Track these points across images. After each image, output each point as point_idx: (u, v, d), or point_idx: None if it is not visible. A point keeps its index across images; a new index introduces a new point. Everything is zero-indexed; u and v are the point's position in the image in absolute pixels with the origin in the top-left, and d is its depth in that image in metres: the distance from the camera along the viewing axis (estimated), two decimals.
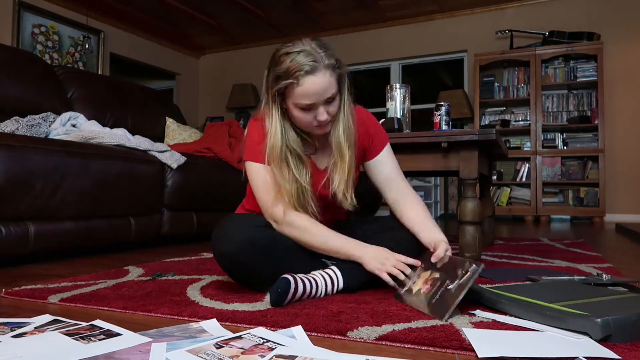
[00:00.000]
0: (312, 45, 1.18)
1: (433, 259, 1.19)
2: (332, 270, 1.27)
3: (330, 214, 1.44)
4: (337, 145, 1.29)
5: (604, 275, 1.41)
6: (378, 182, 1.41)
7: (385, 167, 1.40)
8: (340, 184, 1.31)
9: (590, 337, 0.86)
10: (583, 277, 1.42)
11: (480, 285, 1.20)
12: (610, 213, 5.03)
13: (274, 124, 1.24)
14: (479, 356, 0.79)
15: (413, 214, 1.35)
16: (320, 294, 1.23)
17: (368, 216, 1.55)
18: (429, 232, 1.29)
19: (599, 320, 0.85)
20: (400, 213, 1.37)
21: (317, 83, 1.15)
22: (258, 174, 1.29)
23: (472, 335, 0.89)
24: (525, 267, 1.79)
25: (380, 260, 1.22)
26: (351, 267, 1.28)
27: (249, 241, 1.20)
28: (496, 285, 1.30)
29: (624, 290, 1.30)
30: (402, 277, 1.19)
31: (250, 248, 1.20)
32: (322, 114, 1.19)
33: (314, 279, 1.22)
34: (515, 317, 1.02)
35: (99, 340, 0.87)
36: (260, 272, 1.25)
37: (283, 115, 1.25)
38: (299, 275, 1.20)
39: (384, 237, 1.35)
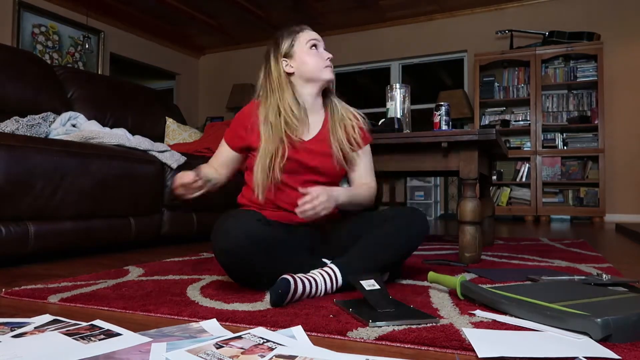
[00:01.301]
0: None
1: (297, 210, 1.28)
2: (331, 268, 1.27)
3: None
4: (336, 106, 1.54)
5: (604, 275, 1.41)
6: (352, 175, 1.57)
7: (361, 162, 1.56)
8: (341, 137, 1.49)
9: (590, 337, 0.86)
10: (583, 277, 1.42)
11: (480, 285, 1.20)
12: (610, 213, 5.03)
13: (283, 85, 1.46)
14: (479, 356, 0.79)
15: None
16: (320, 293, 1.23)
17: (362, 212, 1.56)
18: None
19: (599, 320, 0.85)
20: None
21: (312, 32, 1.51)
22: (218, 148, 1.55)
23: (472, 335, 0.89)
24: (525, 267, 1.79)
25: None
26: (350, 264, 1.28)
27: (247, 236, 1.20)
28: (496, 285, 1.30)
29: (624, 290, 1.30)
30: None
31: (248, 243, 1.21)
32: (327, 52, 1.48)
33: (314, 279, 1.22)
34: (515, 317, 1.02)
35: (99, 340, 0.87)
36: (259, 268, 1.26)
37: (285, 82, 1.47)
38: (299, 275, 1.21)
39: (369, 235, 1.37)
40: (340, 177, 1.55)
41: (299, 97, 1.47)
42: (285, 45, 1.47)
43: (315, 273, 1.25)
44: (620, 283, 1.37)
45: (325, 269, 1.27)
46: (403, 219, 1.38)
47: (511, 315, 1.03)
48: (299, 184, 1.42)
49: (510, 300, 1.05)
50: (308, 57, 1.46)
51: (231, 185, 1.62)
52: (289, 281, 1.15)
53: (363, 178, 1.55)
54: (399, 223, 1.36)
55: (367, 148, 1.59)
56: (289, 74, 1.48)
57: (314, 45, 1.47)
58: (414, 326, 0.96)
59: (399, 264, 1.47)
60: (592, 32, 5.04)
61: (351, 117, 1.54)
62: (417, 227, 1.38)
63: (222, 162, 1.52)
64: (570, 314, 0.91)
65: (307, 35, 1.48)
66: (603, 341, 0.85)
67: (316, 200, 1.27)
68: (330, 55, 1.48)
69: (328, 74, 1.47)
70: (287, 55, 1.47)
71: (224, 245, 1.22)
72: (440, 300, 1.20)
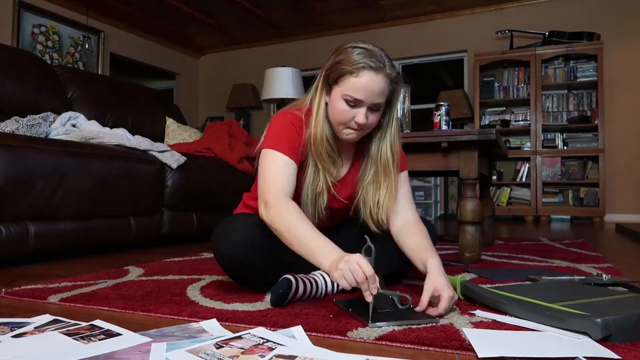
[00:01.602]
0: (381, 52, 1.18)
1: (434, 312, 1.04)
2: None
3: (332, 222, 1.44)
4: (384, 161, 1.27)
5: (604, 275, 1.41)
6: None
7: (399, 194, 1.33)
8: (379, 200, 1.28)
9: (590, 337, 0.86)
10: (583, 277, 1.42)
11: (480, 285, 1.20)
12: (610, 213, 5.03)
13: (320, 113, 1.23)
14: (479, 356, 0.79)
15: (414, 240, 1.25)
16: (321, 293, 1.23)
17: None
18: (433, 273, 1.12)
19: (599, 320, 0.85)
20: (402, 241, 1.28)
21: (374, 80, 1.15)
22: (275, 162, 1.20)
23: (472, 335, 0.89)
24: (525, 267, 1.79)
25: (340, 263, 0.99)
26: None
27: (249, 242, 1.20)
28: (496, 285, 1.30)
29: (624, 290, 1.30)
30: (352, 285, 0.99)
31: (250, 249, 1.20)
32: (362, 116, 1.17)
33: (314, 279, 1.22)
34: (515, 317, 1.02)
35: (99, 340, 0.87)
36: (261, 272, 1.25)
37: (324, 112, 1.24)
38: (300, 275, 1.21)
39: (375, 242, 1.33)
40: None
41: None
42: (334, 73, 1.18)
43: (316, 274, 1.26)
44: (620, 283, 1.37)
45: None
46: None
47: (511, 315, 1.03)
48: None
49: (510, 300, 1.05)
50: (337, 106, 1.19)
51: (232, 185, 1.60)
52: (290, 281, 1.15)
53: (406, 216, 1.30)
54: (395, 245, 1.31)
55: (403, 175, 1.35)
56: (327, 103, 1.24)
57: (353, 102, 1.16)
58: (414, 326, 0.96)
59: (402, 270, 1.46)
60: (592, 32, 5.04)
61: (389, 155, 1.28)
62: None
63: (293, 182, 1.22)
64: (570, 314, 0.91)
65: (358, 83, 1.14)
66: (603, 341, 0.85)
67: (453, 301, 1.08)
68: (361, 122, 1.17)
69: (350, 135, 1.22)
70: (329, 83, 1.21)
71: (225, 250, 1.22)
72: None
